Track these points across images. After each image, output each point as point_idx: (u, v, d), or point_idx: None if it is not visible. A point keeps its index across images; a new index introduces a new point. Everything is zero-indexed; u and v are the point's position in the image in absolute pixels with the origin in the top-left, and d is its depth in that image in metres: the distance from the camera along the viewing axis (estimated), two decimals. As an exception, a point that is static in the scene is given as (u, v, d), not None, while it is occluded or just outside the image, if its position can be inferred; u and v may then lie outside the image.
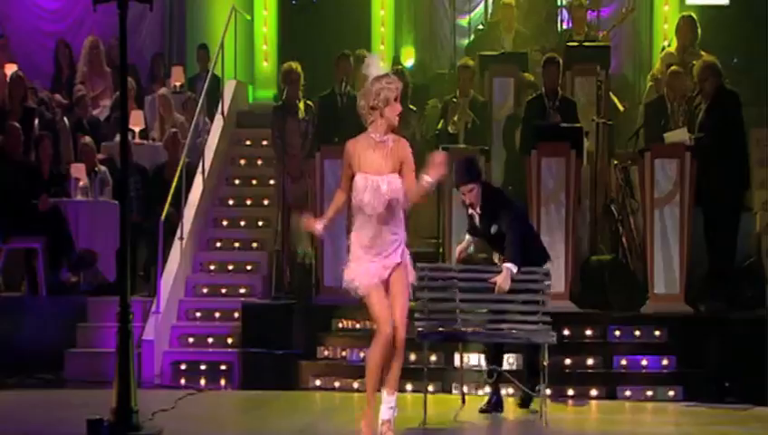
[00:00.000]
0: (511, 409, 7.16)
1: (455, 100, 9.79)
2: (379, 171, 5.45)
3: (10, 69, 11.28)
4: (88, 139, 10.30)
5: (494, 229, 6.79)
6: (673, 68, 9.55)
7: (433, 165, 5.38)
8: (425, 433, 6.33)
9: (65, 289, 9.58)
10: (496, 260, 7.00)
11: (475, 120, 9.63)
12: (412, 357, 7.54)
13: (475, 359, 7.70)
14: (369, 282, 5.48)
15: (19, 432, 6.47)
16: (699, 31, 10.30)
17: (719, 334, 7.97)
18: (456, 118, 9.58)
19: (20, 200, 9.35)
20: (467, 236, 7.11)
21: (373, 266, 5.49)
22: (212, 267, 9.86)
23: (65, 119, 10.93)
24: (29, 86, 10.83)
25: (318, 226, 5.63)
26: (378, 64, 5.65)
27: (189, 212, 9.75)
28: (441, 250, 8.91)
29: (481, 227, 6.91)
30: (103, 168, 10.09)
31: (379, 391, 5.62)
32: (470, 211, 6.94)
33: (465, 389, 7.23)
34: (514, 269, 6.57)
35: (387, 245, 5.51)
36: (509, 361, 7.59)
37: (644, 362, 7.99)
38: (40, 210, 9.37)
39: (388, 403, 5.62)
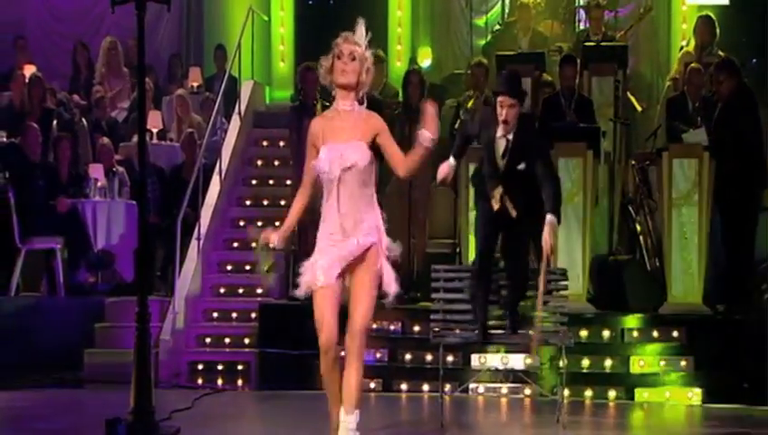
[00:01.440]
0: (527, 411, 7.14)
1: (469, 95, 9.77)
2: (346, 141, 4.83)
3: (29, 70, 11.35)
4: (106, 139, 10.35)
5: (521, 166, 6.09)
6: (693, 65, 9.51)
7: (427, 118, 4.74)
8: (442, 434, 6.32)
9: (83, 289, 9.62)
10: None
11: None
12: (428, 358, 7.54)
13: (493, 360, 7.69)
14: (312, 279, 4.82)
15: (38, 432, 6.50)
16: (718, 31, 10.26)
17: (738, 335, 7.93)
18: (469, 105, 9.56)
19: (38, 201, 9.40)
20: (452, 161, 6.32)
21: (326, 259, 4.80)
22: (229, 267, 9.88)
23: (83, 120, 10.99)
24: (47, 87, 10.90)
25: (274, 237, 4.92)
26: (361, 30, 5.11)
27: (206, 212, 9.77)
28: (458, 250, 8.90)
29: (505, 160, 6.13)
30: (121, 169, 10.14)
31: None
32: (498, 133, 6.15)
33: (482, 389, 7.23)
34: (556, 222, 5.98)
35: (353, 229, 4.79)
36: (526, 361, 7.58)
37: (662, 364, 7.95)
38: (58, 211, 9.41)
39: (345, 425, 4.73)
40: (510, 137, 6.11)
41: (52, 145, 10.08)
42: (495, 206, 6.27)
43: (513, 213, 6.23)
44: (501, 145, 6.15)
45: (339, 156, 4.81)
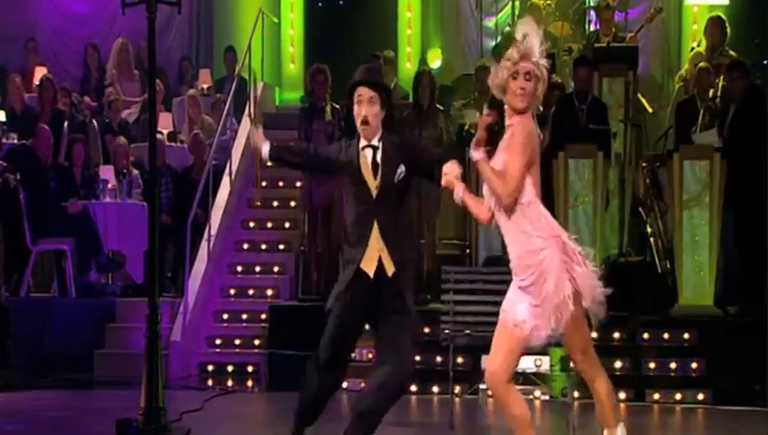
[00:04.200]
0: (537, 413, 7.13)
1: (476, 97, 9.76)
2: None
3: (40, 72, 11.39)
4: (122, 139, 10.37)
5: (400, 171, 4.85)
6: (701, 65, 9.48)
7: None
8: (452, 436, 6.31)
9: (94, 290, 9.65)
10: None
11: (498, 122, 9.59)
12: (438, 359, 7.53)
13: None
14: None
15: (49, 433, 6.52)
16: (728, 31, 10.23)
17: (749, 337, 7.90)
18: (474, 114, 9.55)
19: (50, 202, 9.43)
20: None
21: None
22: (239, 269, 9.89)
23: (94, 121, 11.02)
24: (61, 88, 10.94)
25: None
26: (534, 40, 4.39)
27: (216, 214, 9.78)
28: (468, 251, 8.89)
29: (378, 177, 4.85)
30: (135, 170, 10.16)
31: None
32: (361, 144, 4.90)
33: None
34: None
35: None
36: (536, 362, 7.56)
37: (673, 365, 7.93)
38: (69, 212, 9.44)
39: None
40: (376, 143, 4.87)
41: (66, 147, 10.12)
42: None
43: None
44: (366, 157, 4.88)
45: None
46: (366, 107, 4.81)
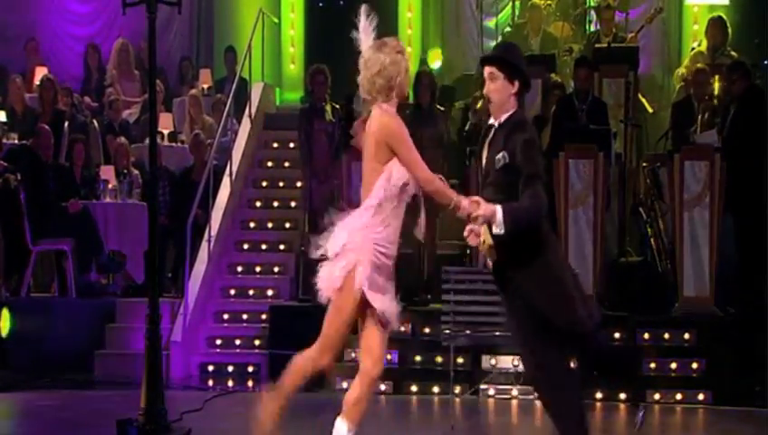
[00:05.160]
0: (538, 413, 7.13)
1: (477, 97, 9.76)
2: None
3: (40, 72, 11.39)
4: (123, 139, 10.37)
5: (501, 157, 4.56)
6: (698, 65, 9.48)
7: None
8: (452, 436, 6.31)
9: (94, 291, 9.64)
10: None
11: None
12: (439, 359, 7.53)
13: (503, 362, 7.68)
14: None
15: (49, 433, 6.52)
16: (730, 31, 10.23)
17: (749, 337, 7.89)
18: (478, 106, 9.55)
19: (50, 203, 9.43)
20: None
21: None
22: (239, 269, 9.89)
23: (94, 121, 11.02)
24: (63, 88, 10.94)
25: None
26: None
27: (217, 214, 9.78)
28: (468, 252, 8.89)
29: (487, 158, 4.68)
30: (135, 171, 10.16)
31: None
32: (489, 122, 4.75)
33: (493, 391, 7.22)
34: (500, 215, 4.40)
35: None
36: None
37: (673, 366, 7.93)
38: (70, 212, 9.44)
39: None
40: (497, 123, 4.63)
41: (67, 147, 10.12)
42: (472, 241, 4.58)
43: (489, 263, 4.65)
44: (486, 140, 4.71)
45: None
46: (487, 84, 4.69)
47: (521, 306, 4.56)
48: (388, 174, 4.53)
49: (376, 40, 4.68)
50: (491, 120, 4.74)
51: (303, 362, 4.68)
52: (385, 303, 4.55)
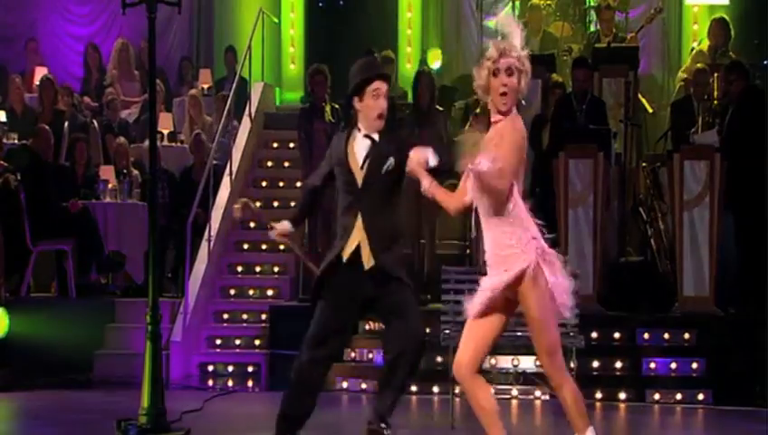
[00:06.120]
0: (538, 413, 7.13)
1: (477, 97, 9.74)
2: None
3: (40, 72, 11.39)
4: (122, 139, 10.37)
5: (389, 164, 4.83)
6: (698, 65, 9.48)
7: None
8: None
9: (94, 290, 9.65)
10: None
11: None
12: (438, 359, 7.52)
13: (503, 361, 7.68)
14: None
15: (48, 433, 6.52)
16: (732, 32, 10.24)
17: (749, 337, 7.89)
18: (478, 110, 9.55)
19: (50, 203, 9.42)
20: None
21: None
22: (239, 269, 9.89)
23: (94, 121, 11.02)
24: (63, 87, 10.94)
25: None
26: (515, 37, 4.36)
27: (217, 214, 9.78)
28: (468, 251, 8.89)
29: (365, 167, 4.84)
30: (135, 171, 10.16)
31: None
32: (360, 133, 4.88)
33: (493, 391, 7.19)
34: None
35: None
36: (536, 362, 7.55)
37: (673, 365, 7.93)
38: (70, 212, 9.44)
39: None
40: (375, 136, 4.83)
41: (68, 147, 10.12)
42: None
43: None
44: (358, 149, 4.87)
45: None
46: (382, 101, 4.82)
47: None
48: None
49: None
50: (362, 132, 4.91)
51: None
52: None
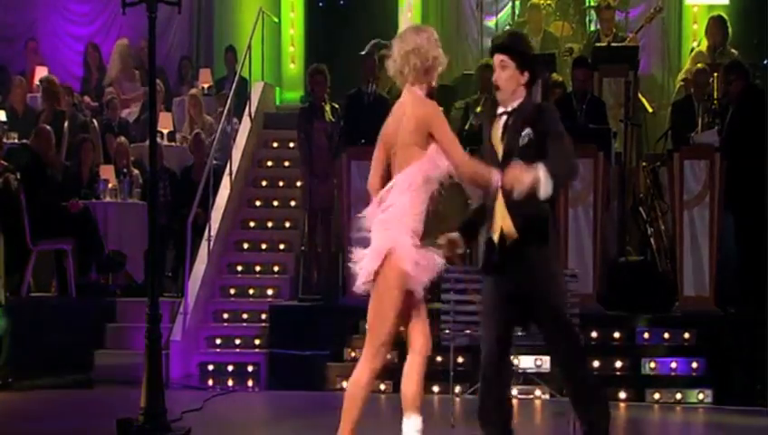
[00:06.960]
0: (538, 412, 7.13)
1: (477, 97, 9.75)
2: None
3: (40, 72, 11.39)
4: (122, 138, 10.37)
5: (526, 134, 4.64)
6: (698, 65, 9.48)
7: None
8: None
9: (94, 290, 9.65)
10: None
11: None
12: (439, 359, 7.52)
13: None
14: None
15: (49, 433, 6.52)
16: (730, 31, 10.23)
17: (749, 337, 7.90)
18: (478, 109, 9.55)
19: (50, 202, 9.43)
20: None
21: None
22: (239, 269, 9.89)
23: (94, 121, 11.02)
24: (64, 87, 10.94)
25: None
26: None
27: (217, 214, 9.78)
28: (468, 251, 8.88)
29: (506, 140, 4.67)
30: (135, 170, 10.17)
31: None
32: (499, 110, 4.75)
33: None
34: (543, 176, 4.36)
35: None
36: (537, 362, 7.56)
37: (673, 365, 7.93)
38: (70, 212, 9.44)
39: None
40: (509, 109, 4.68)
41: (73, 147, 10.12)
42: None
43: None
44: (499, 125, 4.70)
45: None
46: (497, 72, 4.72)
47: (520, 283, 4.65)
48: (429, 158, 4.53)
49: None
50: (500, 109, 4.76)
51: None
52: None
